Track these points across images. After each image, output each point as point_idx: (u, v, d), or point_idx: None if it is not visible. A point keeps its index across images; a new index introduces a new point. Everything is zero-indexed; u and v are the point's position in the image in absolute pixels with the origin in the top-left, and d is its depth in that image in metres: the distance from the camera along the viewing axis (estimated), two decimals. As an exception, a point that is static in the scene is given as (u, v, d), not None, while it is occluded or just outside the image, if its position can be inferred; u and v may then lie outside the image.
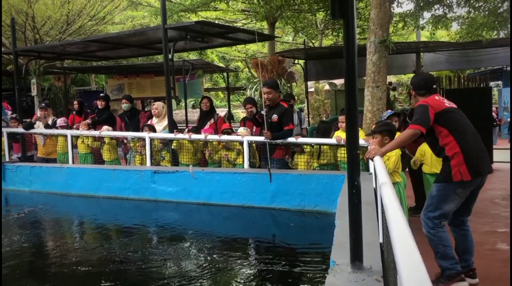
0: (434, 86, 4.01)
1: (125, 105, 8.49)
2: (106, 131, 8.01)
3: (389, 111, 6.00)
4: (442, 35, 20.58)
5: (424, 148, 5.12)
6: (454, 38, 14.45)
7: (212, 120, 8.06)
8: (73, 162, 8.35)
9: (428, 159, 5.29)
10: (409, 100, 17.15)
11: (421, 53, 13.27)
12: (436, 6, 9.31)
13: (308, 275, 4.31)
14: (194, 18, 15.11)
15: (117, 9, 15.84)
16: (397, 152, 4.64)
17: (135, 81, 15.89)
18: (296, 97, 23.57)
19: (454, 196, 3.62)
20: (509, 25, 9.23)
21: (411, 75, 16.38)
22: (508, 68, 15.49)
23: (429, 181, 5.22)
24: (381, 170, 3.05)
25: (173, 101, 14.49)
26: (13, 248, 5.52)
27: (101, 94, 9.64)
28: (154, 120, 8.09)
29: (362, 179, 2.82)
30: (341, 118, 6.17)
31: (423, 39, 19.34)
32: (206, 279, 4.37)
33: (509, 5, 8.80)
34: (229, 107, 18.30)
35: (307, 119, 11.85)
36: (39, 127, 8.82)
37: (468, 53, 12.87)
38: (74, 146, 8.46)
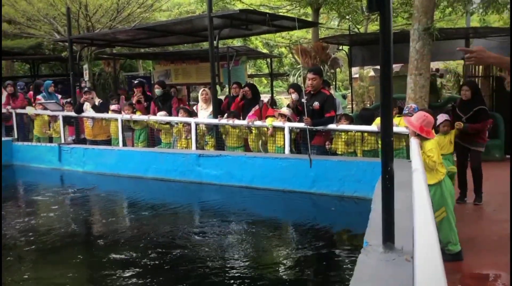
0: None
1: (157, 91, 8.83)
2: (153, 116, 8.35)
3: (415, 106, 5.99)
4: (495, 19, 19.77)
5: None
6: (507, 22, 13.91)
7: (257, 107, 8.21)
8: (124, 145, 8.80)
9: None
10: (457, 87, 16.69)
11: (471, 39, 12.87)
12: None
13: (343, 256, 4.48)
14: (239, 4, 15.28)
15: (164, -4, 16.29)
16: (433, 142, 4.15)
17: (181, 67, 16.32)
18: (340, 83, 23.44)
19: None
20: None
21: (460, 61, 15.94)
22: None
23: None
24: (416, 157, 3.16)
25: (218, 87, 14.83)
26: (62, 223, 6.00)
27: (158, 81, 9.87)
28: (201, 106, 8.34)
29: (402, 166, 2.92)
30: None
31: (474, 24, 18.66)
32: (246, 258, 4.61)
33: None
34: (272, 93, 18.46)
35: (342, 106, 11.79)
36: (87, 109, 9.29)
37: (521, 39, 12.37)
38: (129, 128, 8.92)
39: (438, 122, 5.67)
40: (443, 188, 4.11)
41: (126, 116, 8.71)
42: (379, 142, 6.53)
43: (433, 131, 4.28)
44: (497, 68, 13.91)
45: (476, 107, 5.88)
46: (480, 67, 14.18)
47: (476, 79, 14.01)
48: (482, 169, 6.04)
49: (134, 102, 9.09)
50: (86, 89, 9.71)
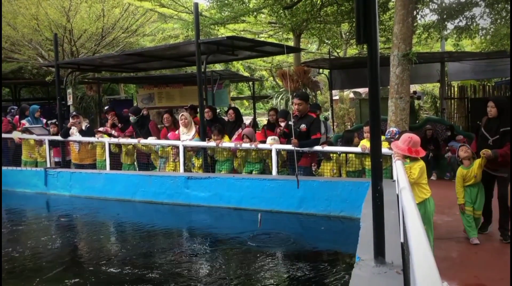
0: None
1: (132, 118, 8.90)
2: (143, 140, 8.43)
3: (397, 130, 6.24)
4: (467, 43, 20.62)
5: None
6: (479, 47, 14.55)
7: (240, 130, 8.41)
8: (111, 168, 8.86)
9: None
10: (434, 108, 17.26)
11: (446, 63, 13.45)
12: (459, 18, 9.54)
13: (333, 273, 4.64)
14: (222, 30, 15.64)
15: (148, 22, 16.54)
16: (421, 164, 4.55)
17: (164, 90, 16.53)
18: (320, 106, 23.93)
19: None
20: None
21: (436, 84, 16.57)
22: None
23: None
24: (402, 176, 3.38)
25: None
26: (52, 246, 5.98)
27: (131, 109, 9.77)
28: (182, 130, 8.40)
29: (387, 186, 3.16)
30: (366, 128, 6.55)
31: (448, 47, 19.42)
32: (237, 280, 4.70)
33: None
34: (254, 115, 18.75)
35: (332, 128, 12.10)
36: (73, 133, 9.35)
37: (493, 63, 12.96)
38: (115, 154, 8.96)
39: (457, 152, 5.56)
40: (427, 207, 4.36)
41: (113, 139, 8.77)
42: (363, 163, 6.83)
43: (421, 148, 4.52)
44: (472, 91, 14.49)
45: (503, 127, 5.14)
46: (456, 88, 14.77)
47: (452, 101, 14.59)
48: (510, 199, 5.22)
49: (109, 126, 9.18)
50: (74, 113, 9.78)
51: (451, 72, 14.02)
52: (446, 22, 9.41)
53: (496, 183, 5.36)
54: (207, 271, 4.96)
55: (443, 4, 8.99)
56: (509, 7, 9.48)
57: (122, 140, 8.67)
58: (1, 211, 6.28)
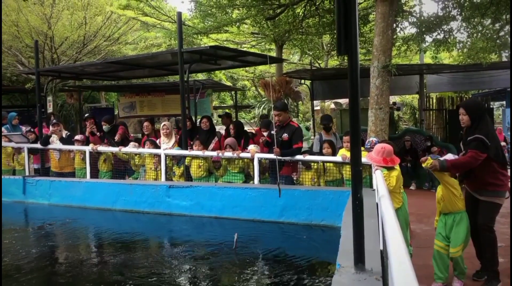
0: None
1: (105, 127, 8.93)
2: (124, 148, 8.38)
3: (376, 140, 6.33)
4: (445, 56, 21.08)
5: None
6: (457, 60, 14.88)
7: (216, 138, 8.42)
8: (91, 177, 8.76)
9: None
10: (413, 119, 17.55)
11: (424, 75, 13.73)
12: (437, 31, 9.75)
13: (314, 280, 4.67)
14: (205, 39, 15.69)
15: (130, 30, 16.50)
16: (397, 172, 4.60)
17: (146, 99, 16.46)
18: (302, 116, 24.09)
19: None
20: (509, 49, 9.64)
21: (415, 95, 16.88)
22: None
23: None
24: (381, 184, 3.44)
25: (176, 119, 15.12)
26: (30, 258, 5.81)
27: (105, 118, 9.51)
28: (163, 140, 8.38)
29: (367, 194, 3.23)
30: (345, 138, 6.66)
31: (427, 59, 19.84)
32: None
33: (509, 29, 9.23)
34: (237, 125, 18.74)
35: (305, 137, 12.15)
36: (53, 141, 9.24)
37: (470, 75, 13.31)
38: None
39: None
40: (399, 215, 4.45)
41: (102, 148, 8.59)
42: (343, 172, 6.91)
43: (395, 156, 4.60)
44: (450, 102, 14.80)
45: (472, 136, 4.22)
46: (434, 100, 15.07)
47: (431, 112, 14.87)
48: (494, 232, 4.29)
49: (87, 134, 9.10)
50: (54, 121, 9.67)
51: (429, 84, 14.31)
52: (424, 35, 9.59)
53: (478, 209, 4.33)
54: (187, 282, 4.93)
55: (422, 18, 9.18)
56: (485, 22, 9.75)
57: (102, 148, 8.60)
58: (1, 213, 6.11)
